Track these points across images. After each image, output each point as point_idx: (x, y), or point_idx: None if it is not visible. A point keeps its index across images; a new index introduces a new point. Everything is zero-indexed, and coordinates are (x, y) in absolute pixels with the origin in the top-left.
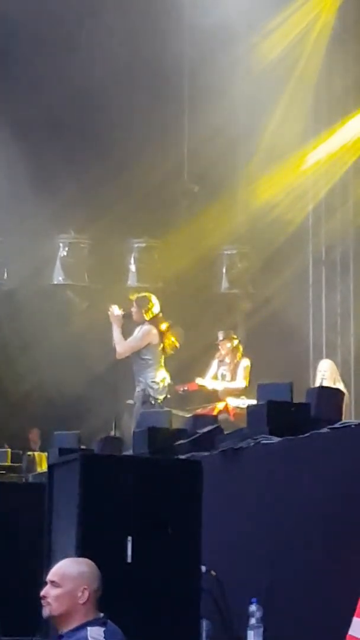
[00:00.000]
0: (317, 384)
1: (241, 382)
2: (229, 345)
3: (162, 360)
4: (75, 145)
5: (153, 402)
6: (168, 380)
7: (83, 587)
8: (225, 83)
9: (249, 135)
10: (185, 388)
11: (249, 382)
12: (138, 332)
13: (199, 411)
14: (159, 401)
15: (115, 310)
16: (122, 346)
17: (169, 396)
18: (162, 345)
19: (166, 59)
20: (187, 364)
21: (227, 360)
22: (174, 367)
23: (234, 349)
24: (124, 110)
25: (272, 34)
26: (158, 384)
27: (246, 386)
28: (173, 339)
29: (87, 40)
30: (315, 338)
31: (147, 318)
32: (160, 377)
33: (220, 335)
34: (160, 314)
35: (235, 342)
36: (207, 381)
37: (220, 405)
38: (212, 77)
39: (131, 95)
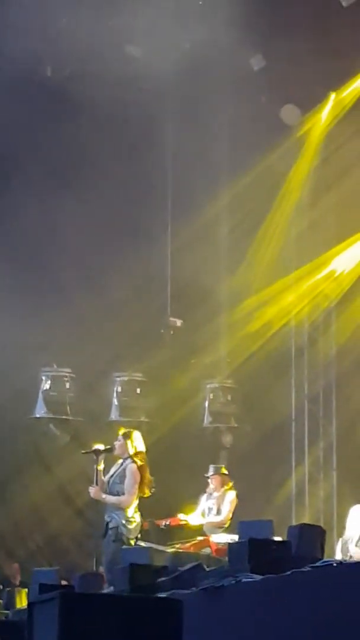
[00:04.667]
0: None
1: (222, 516)
2: (218, 479)
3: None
4: (62, 279)
5: (125, 541)
6: (139, 519)
7: None
8: (209, 225)
9: (231, 271)
10: (167, 522)
11: (233, 515)
12: (123, 471)
13: (180, 547)
14: (131, 542)
15: (93, 489)
16: (126, 500)
17: (139, 537)
18: (141, 484)
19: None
20: (169, 497)
21: (215, 494)
22: (155, 500)
23: (223, 483)
24: (111, 248)
25: (254, 169)
26: (132, 523)
27: (227, 520)
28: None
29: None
30: (298, 473)
31: (131, 454)
32: (134, 516)
33: (211, 470)
34: (143, 452)
35: (225, 476)
36: (189, 517)
37: (200, 539)
38: (194, 218)
39: (116, 225)
